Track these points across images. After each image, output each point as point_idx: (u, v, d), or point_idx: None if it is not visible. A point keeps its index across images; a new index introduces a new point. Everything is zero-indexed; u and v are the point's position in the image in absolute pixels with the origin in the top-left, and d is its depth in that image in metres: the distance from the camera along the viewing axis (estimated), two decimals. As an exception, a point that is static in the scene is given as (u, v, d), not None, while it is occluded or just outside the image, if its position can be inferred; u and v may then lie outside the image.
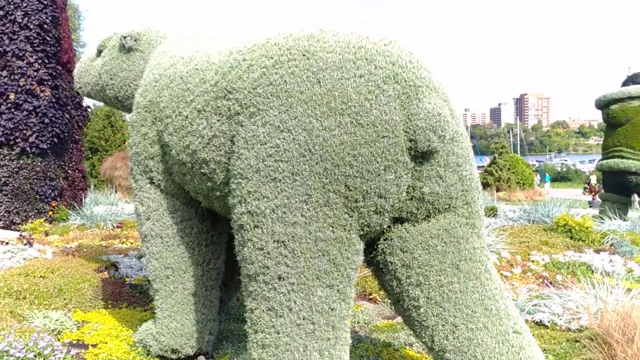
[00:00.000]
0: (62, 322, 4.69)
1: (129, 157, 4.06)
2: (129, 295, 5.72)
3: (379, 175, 2.74)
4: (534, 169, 40.14)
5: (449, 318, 2.94)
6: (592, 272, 7.02)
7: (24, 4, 10.18)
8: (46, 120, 10.26)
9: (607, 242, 9.06)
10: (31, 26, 10.22)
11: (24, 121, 10.07)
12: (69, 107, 11.28)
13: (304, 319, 2.83)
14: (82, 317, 5.02)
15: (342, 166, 2.72)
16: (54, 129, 10.41)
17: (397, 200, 2.85)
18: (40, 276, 5.77)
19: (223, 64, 3.25)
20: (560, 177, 53.51)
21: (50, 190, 10.35)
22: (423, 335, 3.04)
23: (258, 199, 2.86)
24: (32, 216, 10.05)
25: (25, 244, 7.65)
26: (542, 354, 3.06)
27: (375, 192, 2.76)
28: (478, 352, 2.90)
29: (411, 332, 3.72)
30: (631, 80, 15.70)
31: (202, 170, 3.35)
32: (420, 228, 3.00)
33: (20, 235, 8.62)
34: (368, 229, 2.88)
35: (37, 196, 10.20)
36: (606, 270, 6.96)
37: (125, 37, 4.59)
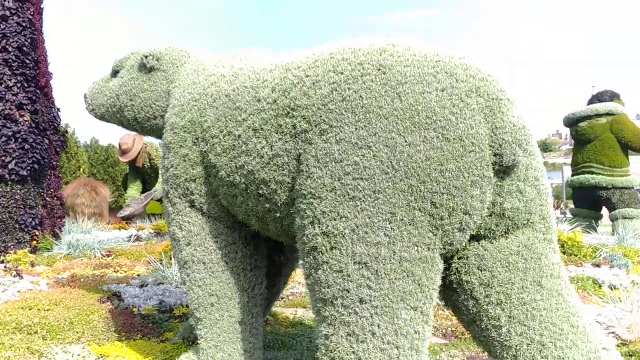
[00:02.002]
0: (83, 357, 4.42)
1: (164, 180, 3.86)
2: (142, 327, 5.44)
3: (465, 191, 2.65)
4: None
5: (535, 337, 2.84)
6: (600, 286, 7.07)
7: (2, 26, 9.82)
8: (26, 146, 9.87)
9: (600, 256, 9.18)
10: (10, 49, 9.86)
11: (3, 147, 9.65)
12: (48, 133, 10.90)
13: (388, 344, 2.69)
14: (99, 351, 4.74)
15: (429, 183, 2.62)
16: (35, 155, 10.01)
17: (480, 217, 2.76)
18: (46, 309, 5.47)
19: (281, 81, 3.12)
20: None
21: (30, 219, 9.91)
22: (505, 355, 2.93)
23: (335, 219, 2.73)
24: (12, 247, 9.58)
25: (14, 276, 7.27)
26: None
27: (461, 209, 2.67)
28: None
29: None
30: (597, 98, 16.24)
31: (260, 192, 3.21)
32: (498, 245, 2.91)
33: (5, 267, 8.21)
34: (450, 248, 2.78)
35: (17, 225, 9.75)
36: (613, 283, 7.01)
37: (147, 57, 4.42)
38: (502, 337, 2.91)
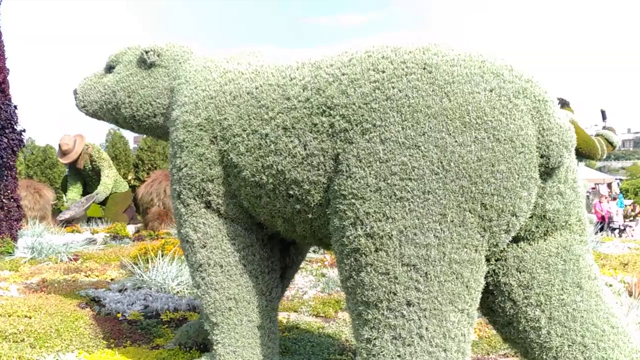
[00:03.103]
0: (78, 365, 4.20)
1: (174, 179, 3.70)
2: (130, 333, 5.23)
3: (515, 192, 2.64)
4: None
5: (577, 338, 2.86)
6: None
7: (-42, 19, 9.33)
8: (-16, 145, 9.40)
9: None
10: (-33, 44, 9.38)
11: (-42, 146, 9.16)
12: (6, 131, 10.40)
13: (436, 347, 2.65)
14: (91, 358, 4.53)
15: (480, 183, 2.59)
16: (-9, 154, 9.54)
17: (525, 219, 2.76)
18: (26, 316, 5.18)
19: (313, 78, 3.04)
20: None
21: (-13, 222, 9.44)
22: (544, 357, 2.93)
23: (380, 220, 2.67)
24: (-32, 251, 9.10)
25: (-20, 281, 6.89)
26: None
27: (509, 210, 2.66)
28: None
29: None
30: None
31: (290, 192, 3.11)
32: (537, 247, 2.92)
33: (-34, 271, 7.77)
34: (495, 249, 2.77)
35: (-27, 228, 9.28)
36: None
37: (147, 52, 4.23)
38: (541, 339, 2.92)
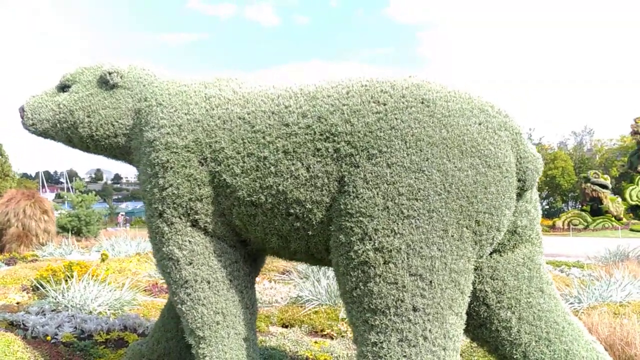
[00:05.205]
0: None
1: (155, 199, 3.76)
2: (69, 355, 5.07)
3: (501, 211, 3.11)
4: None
5: (542, 334, 3.38)
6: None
7: None
8: None
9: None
10: None
11: None
12: None
13: (438, 346, 3.04)
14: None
15: (475, 203, 3.03)
16: None
17: (503, 233, 3.24)
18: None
19: (311, 107, 3.34)
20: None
21: None
22: (514, 352, 3.42)
23: (389, 236, 3.02)
24: None
25: None
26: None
27: (495, 226, 3.13)
28: None
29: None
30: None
31: (291, 211, 3.36)
32: (507, 258, 3.43)
33: None
34: (479, 260, 3.22)
35: None
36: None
37: (111, 74, 4.25)
38: (512, 336, 3.41)
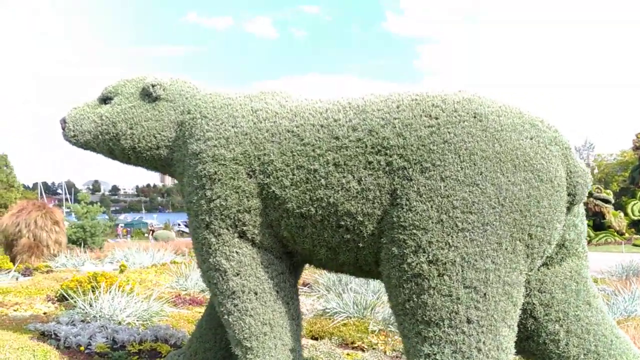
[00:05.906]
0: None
1: (202, 210, 3.81)
2: (105, 366, 5.13)
3: (552, 224, 3.16)
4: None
5: (591, 347, 3.41)
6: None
7: None
8: None
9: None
10: None
11: None
12: None
13: (491, 358, 3.07)
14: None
15: (529, 217, 3.08)
16: None
17: (553, 247, 3.29)
18: (-10, 352, 4.91)
19: (361, 121, 3.40)
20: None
21: None
22: None
23: (443, 248, 3.07)
24: None
25: None
26: None
27: (547, 240, 3.17)
28: None
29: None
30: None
31: (342, 223, 3.41)
32: (555, 271, 3.47)
33: None
34: (530, 273, 3.26)
35: None
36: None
37: (154, 86, 4.33)
38: (560, 349, 3.44)
